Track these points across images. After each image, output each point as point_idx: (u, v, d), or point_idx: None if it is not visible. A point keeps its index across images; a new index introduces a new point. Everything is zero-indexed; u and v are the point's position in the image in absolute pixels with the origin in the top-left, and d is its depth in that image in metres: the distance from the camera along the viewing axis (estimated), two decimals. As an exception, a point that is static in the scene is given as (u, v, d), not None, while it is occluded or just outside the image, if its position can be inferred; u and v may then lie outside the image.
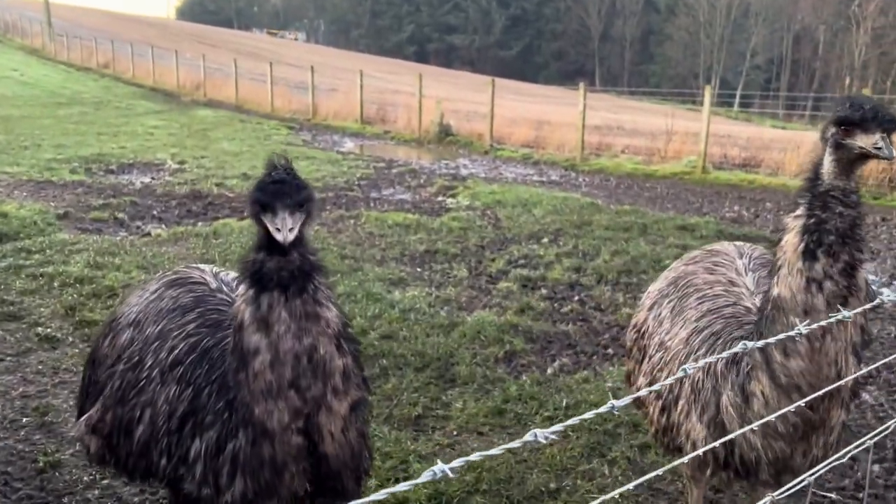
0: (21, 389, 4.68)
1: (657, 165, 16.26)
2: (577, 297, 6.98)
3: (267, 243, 2.03)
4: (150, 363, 2.43)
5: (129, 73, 39.61)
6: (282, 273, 2.01)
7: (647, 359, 3.07)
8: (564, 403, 4.67)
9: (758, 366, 2.40)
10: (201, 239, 8.49)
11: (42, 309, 6.00)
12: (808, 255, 2.25)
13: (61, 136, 17.08)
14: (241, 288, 2.06)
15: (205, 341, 2.40)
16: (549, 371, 5.28)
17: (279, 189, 2.01)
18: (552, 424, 4.39)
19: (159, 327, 2.50)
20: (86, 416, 2.64)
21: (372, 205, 11.15)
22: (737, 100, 66.84)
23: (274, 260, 2.02)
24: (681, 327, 2.89)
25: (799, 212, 2.31)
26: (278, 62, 36.98)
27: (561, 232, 9.47)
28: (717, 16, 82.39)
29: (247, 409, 2.05)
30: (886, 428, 2.37)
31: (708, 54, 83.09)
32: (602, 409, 1.21)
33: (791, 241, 2.29)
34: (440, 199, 11.97)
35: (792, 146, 16.13)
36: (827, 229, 2.23)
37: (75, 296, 6.27)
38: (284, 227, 1.99)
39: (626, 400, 1.15)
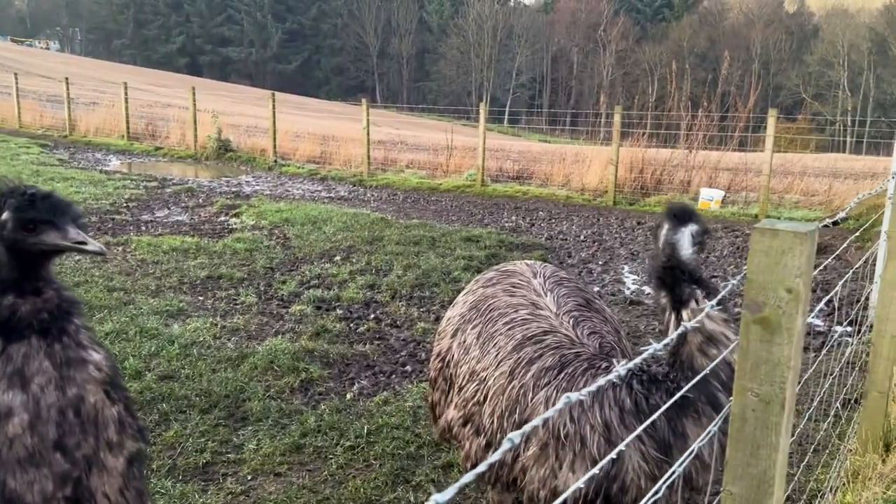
0: None
1: (441, 179, 16.77)
2: (372, 315, 6.87)
3: (16, 282, 1.70)
4: None
5: None
6: (41, 316, 1.69)
7: (456, 389, 2.94)
8: (366, 430, 4.50)
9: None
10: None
11: None
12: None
13: None
14: None
15: None
16: (349, 396, 5.09)
17: (55, 203, 1.74)
18: (354, 454, 4.25)
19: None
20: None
21: (143, 228, 10.21)
22: (506, 116, 71.72)
23: (28, 301, 1.69)
24: (495, 356, 2.78)
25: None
26: (27, 73, 33.05)
27: (353, 249, 9.34)
28: (485, 36, 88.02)
29: None
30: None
31: (479, 72, 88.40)
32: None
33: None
34: (222, 219, 11.29)
35: (558, 158, 17.50)
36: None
37: None
38: (88, 239, 1.74)
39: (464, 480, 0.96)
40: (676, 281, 2.36)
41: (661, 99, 22.61)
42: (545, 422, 2.26)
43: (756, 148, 16.63)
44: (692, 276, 2.37)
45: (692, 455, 1.83)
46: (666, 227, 2.42)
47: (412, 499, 3.83)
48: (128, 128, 22.30)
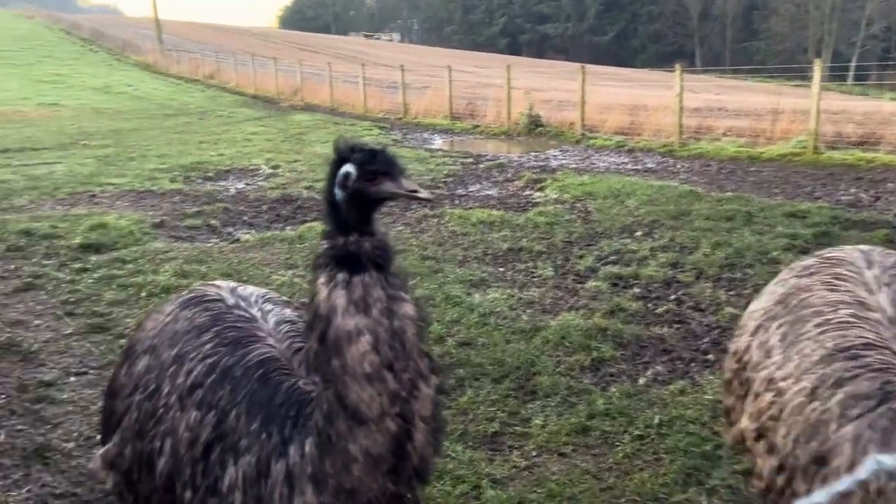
0: (101, 405, 4.69)
1: (763, 147, 15.15)
2: (673, 297, 6.45)
3: (356, 225, 1.95)
4: (167, 390, 2.26)
5: (232, 82, 41.28)
6: (377, 252, 1.93)
7: (752, 396, 2.50)
8: (657, 420, 4.22)
9: None
10: (286, 244, 8.49)
11: (128, 320, 6.08)
12: None
13: (165, 146, 17.81)
14: (323, 276, 1.94)
15: (224, 360, 2.22)
16: (641, 381, 4.82)
17: (389, 157, 1.96)
18: (642, 444, 4.00)
19: (175, 351, 2.33)
20: (103, 449, 2.51)
21: (457, 202, 10.90)
22: (851, 73, 62.25)
23: (369, 240, 1.94)
24: (796, 365, 2.30)
25: None
26: (372, 63, 37.55)
27: (656, 224, 8.88)
28: (829, -16, 77.08)
29: (336, 401, 1.90)
30: None
31: (818, 26, 77.90)
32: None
33: None
34: (527, 193, 11.56)
35: (919, 119, 14.64)
36: None
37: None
38: (419, 188, 1.96)
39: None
40: None
41: None
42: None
43: None
44: None
45: None
46: None
47: (705, 502, 3.49)
48: (450, 108, 24.03)
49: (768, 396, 2.35)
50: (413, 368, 1.94)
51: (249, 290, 2.59)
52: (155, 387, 2.30)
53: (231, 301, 2.48)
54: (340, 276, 1.91)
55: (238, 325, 2.34)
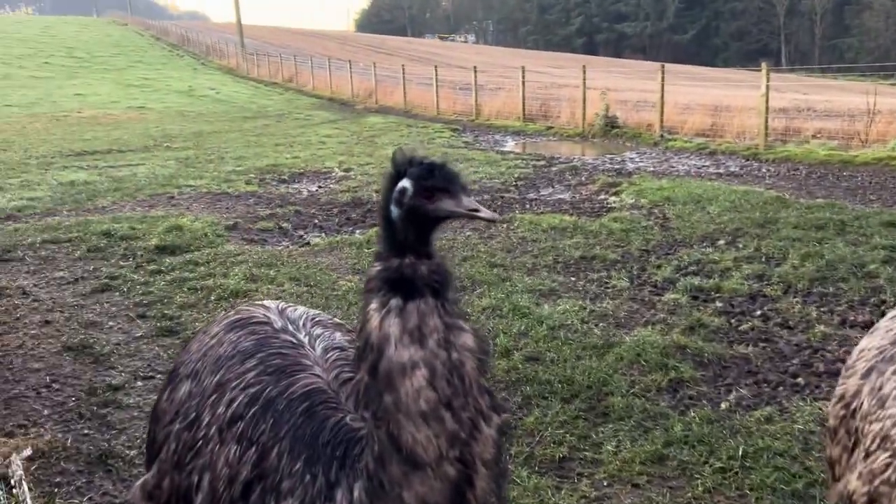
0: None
1: (856, 151, 14.24)
2: (759, 312, 6.02)
3: (412, 245, 1.79)
4: (207, 420, 2.12)
5: (309, 85, 42.09)
6: (434, 277, 1.77)
7: (861, 451, 2.19)
8: (741, 451, 3.87)
9: None
10: (355, 248, 8.44)
11: (197, 323, 6.11)
12: None
13: (243, 149, 18.21)
14: (375, 301, 1.78)
15: (267, 391, 2.06)
16: (723, 406, 4.48)
17: (449, 172, 1.80)
18: (725, 478, 3.68)
19: (217, 377, 2.19)
20: (141, 480, 2.40)
21: (527, 206, 10.63)
22: (958, 68, 58.48)
23: (425, 264, 1.78)
24: None
25: None
26: (446, 65, 37.54)
27: (740, 232, 8.39)
28: (931, -25, 72.70)
29: (389, 441, 1.73)
30: None
31: (919, 20, 73.51)
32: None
33: None
34: (601, 197, 11.18)
35: None
36: None
37: (228, 310, 6.34)
38: (480, 207, 1.81)
39: None
40: None
41: None
42: None
43: None
44: None
45: None
46: None
47: (795, 549, 3.15)
48: (523, 110, 23.73)
49: (883, 457, 2.02)
50: (473, 406, 1.77)
51: (299, 311, 2.45)
52: (195, 416, 2.17)
53: (279, 324, 2.34)
54: (394, 303, 1.75)
55: (284, 350, 2.19)
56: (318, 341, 2.25)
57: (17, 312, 6.39)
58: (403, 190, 1.80)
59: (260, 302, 2.60)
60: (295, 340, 2.24)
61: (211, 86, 43.22)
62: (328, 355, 2.18)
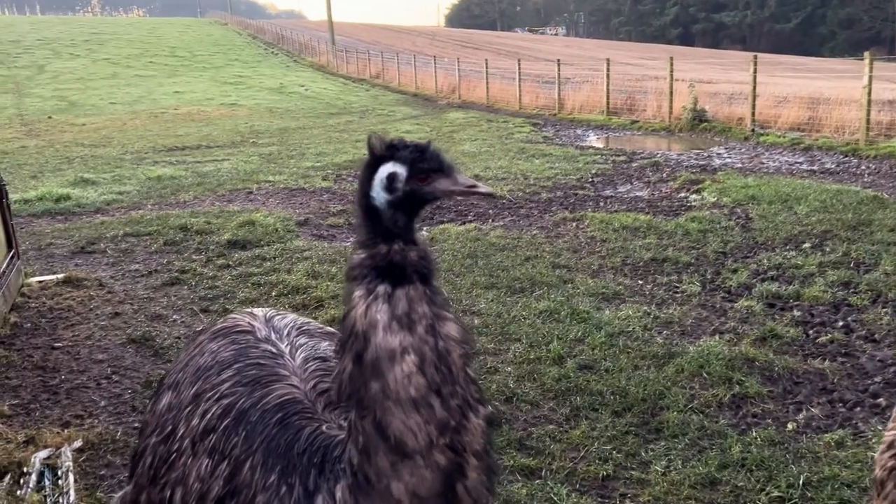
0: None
1: (973, 146, 13.05)
2: (841, 323, 5.54)
3: (401, 231, 1.76)
4: (181, 432, 2.07)
5: (395, 81, 42.53)
6: (422, 263, 1.74)
7: None
8: (804, 478, 3.53)
9: None
10: (420, 245, 8.37)
11: (255, 319, 6.20)
12: None
13: (324, 145, 18.54)
14: (361, 288, 1.74)
15: (240, 402, 1.99)
16: (790, 427, 4.12)
17: (438, 153, 1.78)
18: (781, 509, 3.36)
19: (194, 389, 2.13)
20: (121, 493, 2.37)
21: (602, 204, 10.27)
22: None
23: (413, 250, 1.75)
24: None
25: None
26: (533, 58, 37.07)
27: (829, 235, 7.80)
28: None
29: (375, 431, 1.68)
30: None
31: None
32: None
33: None
34: (682, 195, 10.67)
35: None
36: None
37: (287, 307, 6.41)
38: (476, 182, 1.79)
39: None
40: None
41: None
42: None
43: None
44: None
45: None
46: None
47: None
48: (607, 103, 23.07)
49: None
50: (461, 395, 1.74)
51: (287, 319, 2.37)
52: (171, 428, 2.12)
53: (262, 333, 2.26)
54: (382, 289, 1.71)
55: (262, 361, 2.11)
56: (299, 351, 2.17)
57: (91, 304, 6.66)
58: (394, 175, 1.75)
59: (249, 310, 2.53)
60: (275, 350, 2.17)
61: (301, 83, 44.32)
62: (307, 365, 2.10)
